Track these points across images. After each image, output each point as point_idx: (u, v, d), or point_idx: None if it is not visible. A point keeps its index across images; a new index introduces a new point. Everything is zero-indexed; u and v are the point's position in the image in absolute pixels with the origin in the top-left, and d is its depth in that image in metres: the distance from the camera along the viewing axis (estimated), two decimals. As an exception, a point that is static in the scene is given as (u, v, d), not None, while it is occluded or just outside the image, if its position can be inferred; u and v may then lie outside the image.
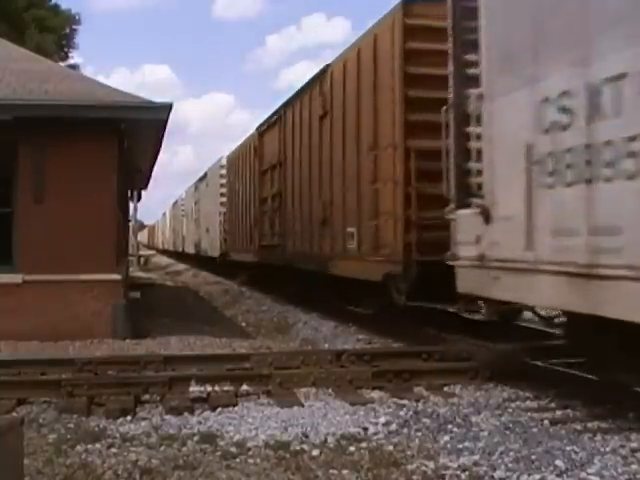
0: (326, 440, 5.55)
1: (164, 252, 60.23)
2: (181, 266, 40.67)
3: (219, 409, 6.46)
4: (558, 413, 6.34)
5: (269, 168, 17.15)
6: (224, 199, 25.16)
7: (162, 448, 5.38)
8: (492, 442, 5.35)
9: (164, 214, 59.77)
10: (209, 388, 6.98)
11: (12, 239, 11.51)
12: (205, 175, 30.57)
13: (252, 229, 19.51)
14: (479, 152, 7.35)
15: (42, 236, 11.34)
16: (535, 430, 5.68)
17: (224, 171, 25.30)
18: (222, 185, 25.49)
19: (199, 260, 34.32)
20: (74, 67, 31.85)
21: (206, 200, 29.76)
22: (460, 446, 5.32)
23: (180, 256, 44.32)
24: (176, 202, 47.00)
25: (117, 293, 11.74)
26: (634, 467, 4.81)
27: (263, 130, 18.23)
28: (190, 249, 36.25)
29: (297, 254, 14.54)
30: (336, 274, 12.03)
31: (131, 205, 25.82)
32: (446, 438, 5.53)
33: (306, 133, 13.78)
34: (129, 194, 23.47)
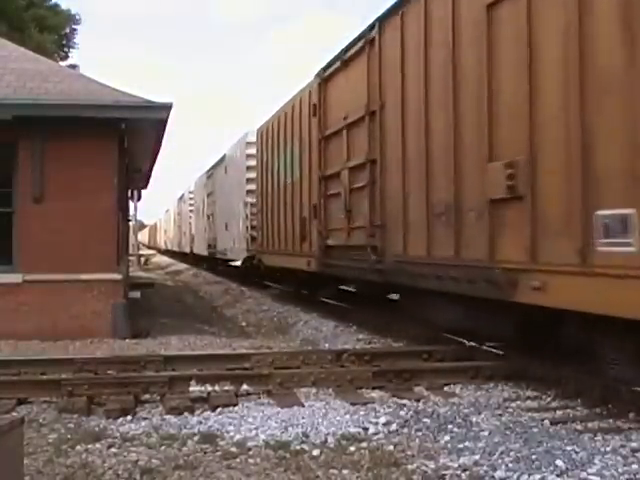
0: (326, 440, 5.55)
1: (167, 253, 55.25)
2: (181, 266, 40.54)
3: (219, 409, 6.46)
4: (558, 413, 6.35)
5: (343, 128, 11.15)
6: (252, 186, 19.34)
7: (162, 448, 5.38)
8: (492, 442, 5.34)
9: (167, 211, 54.44)
10: (209, 388, 6.99)
11: (12, 239, 11.51)
12: (223, 158, 24.59)
13: (306, 222, 13.30)
14: None
15: (42, 236, 11.34)
16: (535, 430, 5.67)
17: (252, 150, 19.33)
18: (249, 168, 19.68)
19: (212, 263, 29.12)
20: (74, 67, 31.82)
21: (225, 189, 23.94)
22: (460, 446, 5.31)
23: (187, 258, 39.05)
24: (182, 196, 40.86)
25: (117, 293, 11.73)
26: (634, 467, 4.80)
27: (330, 74, 12.03)
28: (201, 250, 30.45)
29: (413, 262, 8.68)
30: (542, 305, 6.31)
31: (131, 204, 25.84)
32: (446, 438, 5.53)
33: (443, 49, 8.04)
34: (129, 193, 23.46)
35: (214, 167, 27.12)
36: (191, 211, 35.77)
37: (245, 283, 22.20)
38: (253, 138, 19.31)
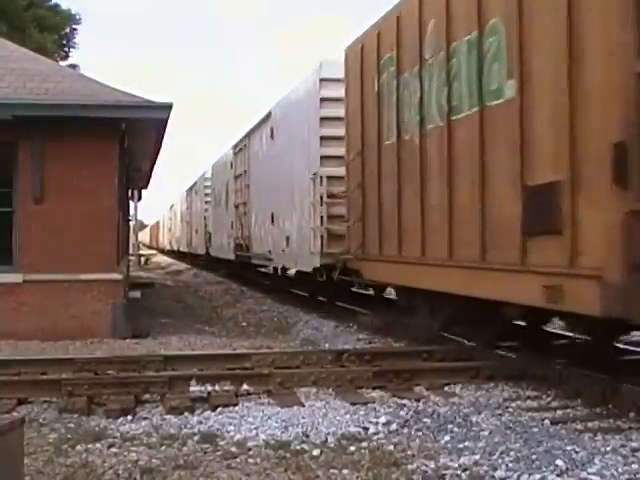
0: (326, 440, 5.55)
1: (172, 254, 48.70)
2: (182, 265, 40.44)
3: (219, 409, 6.46)
4: (559, 413, 6.35)
5: None
6: (332, 149, 12.26)
7: (162, 448, 5.38)
8: (493, 442, 5.34)
9: (172, 206, 48.71)
10: (209, 388, 6.99)
11: (12, 239, 11.52)
12: (265, 119, 17.10)
13: (553, 197, 6.18)
14: None
15: (42, 236, 11.34)
16: (536, 430, 5.67)
17: (333, 90, 12.18)
18: (326, 121, 12.40)
19: (242, 270, 22.42)
20: (74, 67, 31.81)
21: (268, 164, 16.68)
22: (461, 446, 5.31)
23: (199, 261, 33.08)
24: (194, 185, 33.97)
25: (117, 293, 11.74)
26: (634, 467, 4.80)
27: None
28: (224, 252, 23.64)
29: None
30: None
31: (131, 204, 25.84)
32: (447, 438, 5.52)
33: None
34: (129, 193, 23.47)
35: (248, 136, 19.36)
36: (207, 202, 28.61)
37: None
38: (334, 72, 12.07)
